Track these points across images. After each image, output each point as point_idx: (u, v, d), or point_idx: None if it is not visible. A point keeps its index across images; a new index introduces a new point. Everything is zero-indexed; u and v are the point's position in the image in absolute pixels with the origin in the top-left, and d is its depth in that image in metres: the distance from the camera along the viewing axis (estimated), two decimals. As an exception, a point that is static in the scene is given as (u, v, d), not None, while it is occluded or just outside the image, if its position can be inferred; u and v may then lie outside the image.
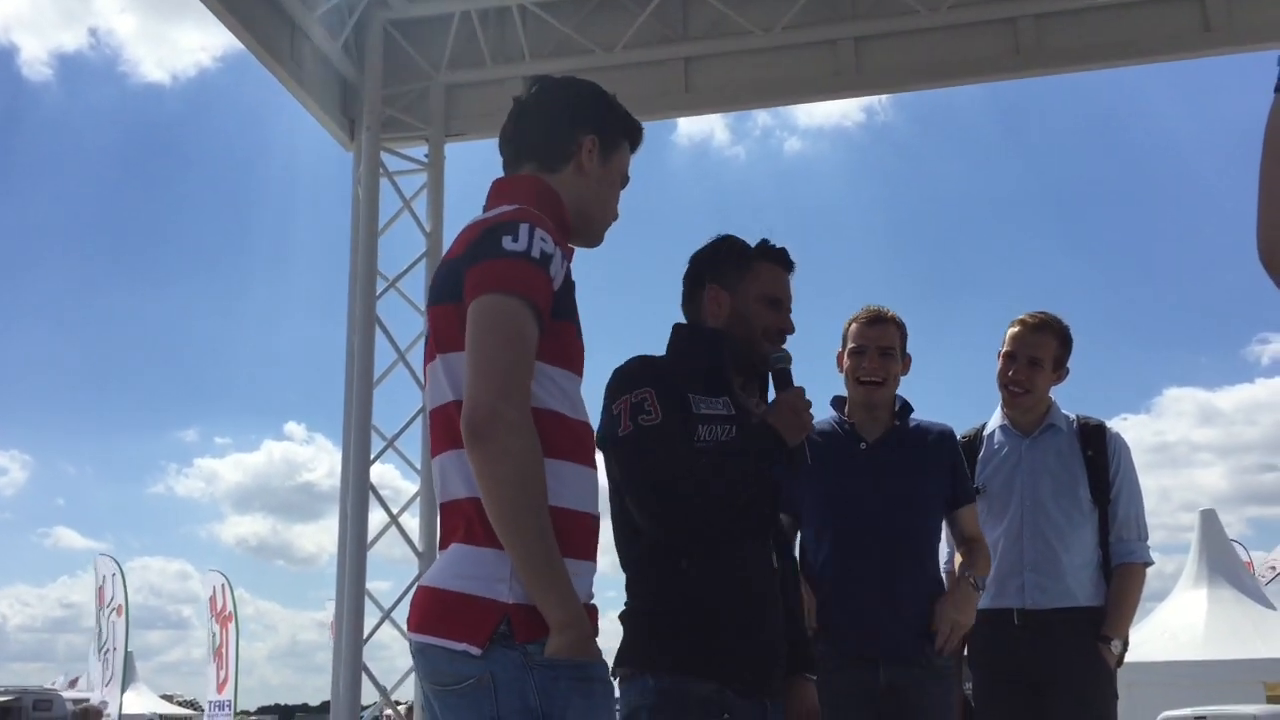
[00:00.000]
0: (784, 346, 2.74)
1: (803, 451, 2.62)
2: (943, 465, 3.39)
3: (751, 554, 2.63)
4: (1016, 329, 3.73)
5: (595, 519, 2.06)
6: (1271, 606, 12.59)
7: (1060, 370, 3.76)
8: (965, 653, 3.71)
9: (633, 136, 2.32)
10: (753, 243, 2.86)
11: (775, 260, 2.84)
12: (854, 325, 3.45)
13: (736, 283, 2.78)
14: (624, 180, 2.32)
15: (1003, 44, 5.89)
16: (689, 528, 2.52)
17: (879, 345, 3.39)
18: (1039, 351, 3.70)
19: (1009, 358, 3.74)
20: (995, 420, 3.86)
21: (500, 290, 1.92)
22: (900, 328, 3.44)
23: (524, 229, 1.97)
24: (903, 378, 3.46)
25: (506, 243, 1.95)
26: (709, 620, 2.51)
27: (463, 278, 1.97)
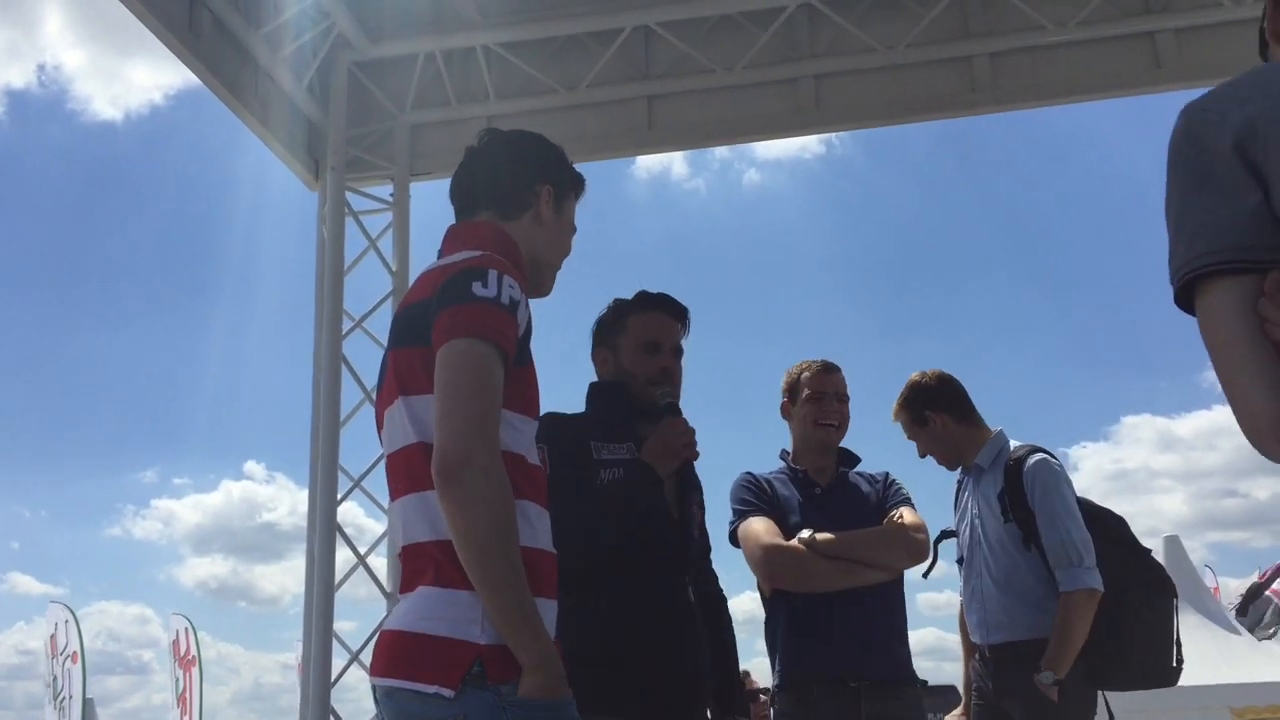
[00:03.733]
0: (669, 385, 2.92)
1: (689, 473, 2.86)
2: (888, 501, 3.52)
3: (665, 590, 2.78)
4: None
5: (556, 558, 2.09)
6: (1237, 631, 12.70)
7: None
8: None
9: (578, 187, 2.41)
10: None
11: (650, 308, 3.01)
12: (807, 374, 3.58)
13: (617, 340, 3.00)
14: (573, 229, 2.39)
15: (959, 82, 6.01)
16: (574, 567, 2.59)
17: (837, 391, 3.55)
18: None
19: None
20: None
21: (471, 335, 1.95)
22: (843, 376, 3.62)
23: (493, 275, 2.00)
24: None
25: (477, 288, 1.98)
26: (617, 658, 2.63)
27: (430, 321, 1.99)
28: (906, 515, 3.41)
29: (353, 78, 6.28)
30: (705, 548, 3.11)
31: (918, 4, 5.87)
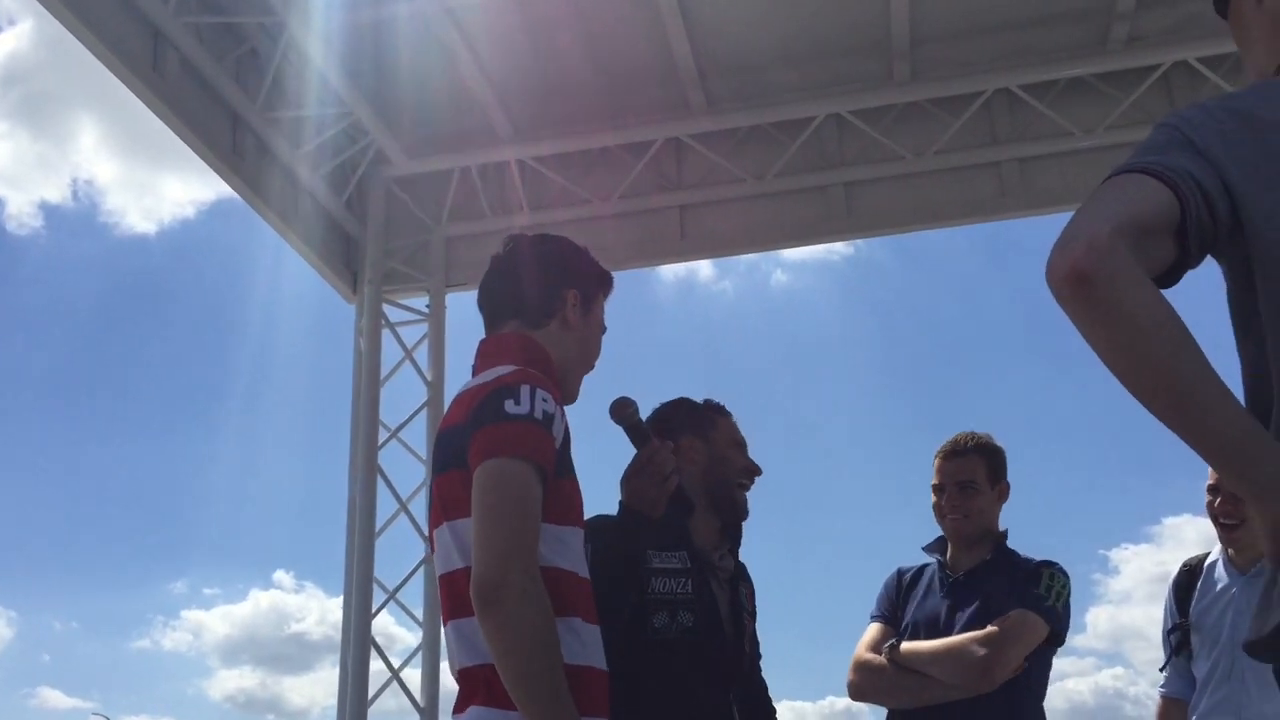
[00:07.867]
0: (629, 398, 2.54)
1: (686, 502, 2.60)
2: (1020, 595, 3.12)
3: (707, 704, 2.66)
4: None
5: (608, 675, 2.05)
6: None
7: None
8: None
9: (605, 286, 2.38)
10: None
11: (729, 415, 2.98)
12: (936, 460, 3.31)
13: (710, 434, 2.93)
14: (603, 329, 2.36)
15: (988, 187, 6.06)
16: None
17: (956, 480, 3.24)
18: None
19: (1212, 490, 3.75)
20: (1217, 553, 3.82)
21: (506, 454, 1.95)
22: (986, 455, 3.27)
23: (525, 390, 2.00)
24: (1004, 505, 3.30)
25: (509, 406, 1.98)
26: None
27: (467, 443, 1.99)
28: (1005, 624, 3.00)
29: (389, 192, 6.41)
30: (755, 657, 2.99)
31: (945, 112, 5.94)
